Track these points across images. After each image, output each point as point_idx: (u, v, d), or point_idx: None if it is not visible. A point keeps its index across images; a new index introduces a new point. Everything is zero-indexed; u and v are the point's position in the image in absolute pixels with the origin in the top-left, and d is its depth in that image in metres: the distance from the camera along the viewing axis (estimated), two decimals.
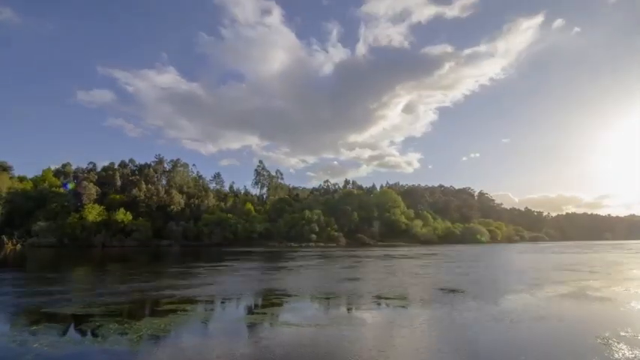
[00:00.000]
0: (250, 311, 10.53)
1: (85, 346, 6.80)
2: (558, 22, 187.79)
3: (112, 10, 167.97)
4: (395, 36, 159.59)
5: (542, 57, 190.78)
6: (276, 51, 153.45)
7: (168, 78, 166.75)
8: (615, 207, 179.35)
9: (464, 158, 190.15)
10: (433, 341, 7.28)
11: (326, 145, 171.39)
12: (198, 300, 11.97)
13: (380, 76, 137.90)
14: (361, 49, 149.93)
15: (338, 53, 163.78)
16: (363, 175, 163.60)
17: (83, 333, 7.73)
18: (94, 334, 7.50)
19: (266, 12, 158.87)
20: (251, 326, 8.49)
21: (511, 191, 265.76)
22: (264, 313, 9.89)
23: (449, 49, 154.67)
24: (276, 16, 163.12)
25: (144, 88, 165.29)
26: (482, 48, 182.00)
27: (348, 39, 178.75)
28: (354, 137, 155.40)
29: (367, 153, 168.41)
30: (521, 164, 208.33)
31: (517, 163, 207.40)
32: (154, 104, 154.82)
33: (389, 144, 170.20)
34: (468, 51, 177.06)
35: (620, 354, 6.26)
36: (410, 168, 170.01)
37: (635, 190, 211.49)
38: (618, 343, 6.89)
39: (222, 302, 12.01)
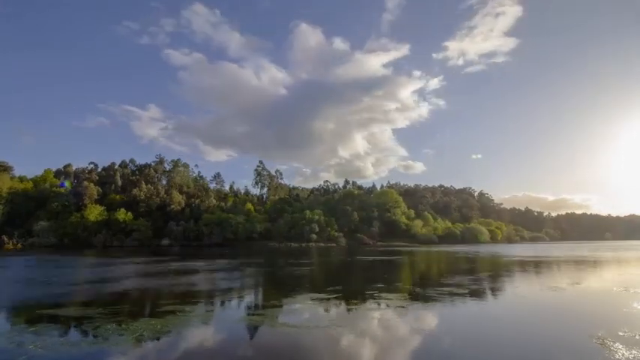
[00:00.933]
0: (249, 312, 10.53)
1: (81, 347, 6.79)
2: (417, 73, 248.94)
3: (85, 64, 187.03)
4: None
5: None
6: (239, 90, 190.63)
7: (153, 113, 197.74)
8: (574, 207, 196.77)
9: (417, 165, 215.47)
10: (423, 340, 7.28)
11: (292, 157, 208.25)
12: (195, 300, 11.98)
13: (308, 106, 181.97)
14: (292, 89, 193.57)
15: (282, 90, 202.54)
16: (333, 180, 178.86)
17: (80, 334, 7.72)
18: (91, 335, 7.51)
19: (217, 69, 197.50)
20: (249, 327, 8.50)
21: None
22: (263, 315, 9.89)
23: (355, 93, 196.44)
24: (230, 67, 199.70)
25: (133, 118, 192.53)
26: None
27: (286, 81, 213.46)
28: (309, 150, 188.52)
29: (328, 161, 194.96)
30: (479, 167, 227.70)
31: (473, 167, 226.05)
32: (142, 130, 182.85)
33: (349, 155, 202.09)
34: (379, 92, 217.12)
35: (620, 354, 6.25)
36: (372, 174, 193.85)
37: (587, 190, 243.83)
38: (614, 342, 6.87)
39: (221, 303, 12.02)
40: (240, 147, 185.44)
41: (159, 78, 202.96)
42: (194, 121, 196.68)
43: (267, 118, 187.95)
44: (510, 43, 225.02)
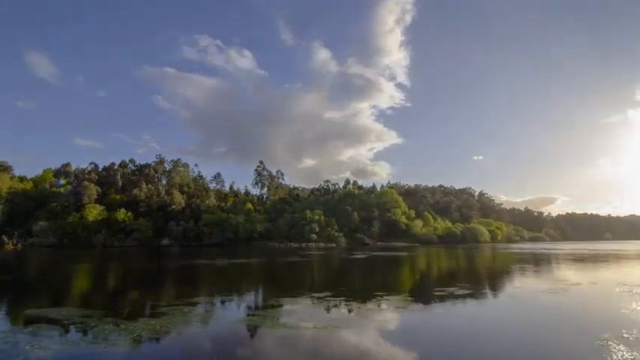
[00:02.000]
0: (248, 312, 10.45)
1: (79, 347, 6.72)
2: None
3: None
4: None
5: None
6: (218, 102, 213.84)
7: (146, 139, 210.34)
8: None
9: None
10: (424, 341, 7.20)
11: (272, 163, 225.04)
12: (194, 301, 11.90)
13: (266, 128, 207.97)
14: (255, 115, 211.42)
15: (246, 115, 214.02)
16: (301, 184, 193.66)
17: (77, 334, 7.63)
18: (88, 335, 7.42)
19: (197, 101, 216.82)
20: (248, 327, 8.43)
21: None
22: (263, 315, 9.81)
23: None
24: (210, 93, 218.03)
25: (128, 145, 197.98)
26: None
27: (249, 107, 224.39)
28: (279, 160, 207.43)
29: (293, 168, 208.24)
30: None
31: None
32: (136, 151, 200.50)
33: (313, 164, 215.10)
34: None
35: (620, 355, 6.17)
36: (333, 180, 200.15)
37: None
38: (618, 344, 6.79)
39: (221, 303, 11.95)
40: (226, 160, 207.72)
41: (149, 114, 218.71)
42: (183, 144, 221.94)
43: (240, 137, 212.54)
44: None
